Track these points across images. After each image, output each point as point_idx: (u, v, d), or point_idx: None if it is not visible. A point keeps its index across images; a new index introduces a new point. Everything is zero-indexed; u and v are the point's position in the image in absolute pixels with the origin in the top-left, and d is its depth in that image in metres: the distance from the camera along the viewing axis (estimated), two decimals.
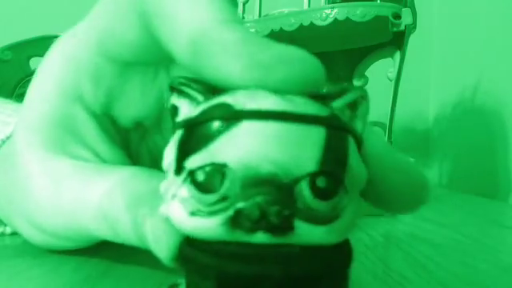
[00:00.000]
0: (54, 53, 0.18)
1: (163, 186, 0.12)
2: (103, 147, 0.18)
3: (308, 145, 0.10)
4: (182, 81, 0.12)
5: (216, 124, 0.11)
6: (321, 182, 0.10)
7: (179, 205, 0.11)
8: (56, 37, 0.62)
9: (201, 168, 0.11)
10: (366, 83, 0.50)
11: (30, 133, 0.18)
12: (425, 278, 0.19)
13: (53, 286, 0.17)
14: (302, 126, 0.11)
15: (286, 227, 0.10)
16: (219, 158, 0.10)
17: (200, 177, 0.11)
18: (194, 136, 0.11)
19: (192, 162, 0.11)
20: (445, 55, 0.81)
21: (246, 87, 0.11)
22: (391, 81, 0.44)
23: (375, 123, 0.63)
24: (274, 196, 0.10)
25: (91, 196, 0.16)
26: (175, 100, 0.12)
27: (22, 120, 0.19)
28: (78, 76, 0.18)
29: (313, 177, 0.10)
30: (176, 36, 0.13)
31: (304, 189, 0.10)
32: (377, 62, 0.50)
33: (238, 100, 0.11)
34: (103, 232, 0.16)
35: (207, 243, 0.11)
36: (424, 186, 0.14)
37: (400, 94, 0.43)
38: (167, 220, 0.12)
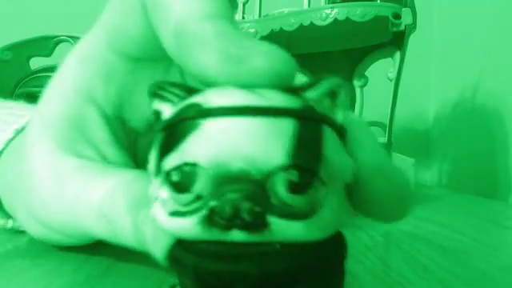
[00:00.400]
0: (72, 53, 0.19)
1: (150, 189, 0.12)
2: (110, 149, 0.19)
3: (278, 138, 0.10)
4: (161, 85, 0.12)
5: (186, 124, 0.11)
6: (293, 176, 0.10)
7: (160, 206, 0.11)
8: (56, 37, 0.62)
9: (175, 168, 0.11)
10: (365, 83, 0.50)
11: (43, 128, 0.19)
12: (425, 278, 0.19)
13: (53, 285, 0.17)
14: (270, 120, 0.10)
15: (259, 224, 0.10)
16: (190, 157, 0.10)
17: (175, 177, 0.11)
18: (169, 137, 0.11)
19: (168, 163, 0.11)
20: (445, 55, 0.81)
21: (219, 85, 0.11)
22: (391, 81, 0.44)
23: (375, 123, 0.63)
24: (246, 192, 0.10)
25: (92, 195, 0.16)
26: (157, 105, 0.13)
27: (37, 114, 0.19)
28: (91, 75, 0.18)
29: (285, 171, 0.10)
30: (165, 27, 0.14)
31: (277, 184, 0.10)
32: (377, 62, 0.50)
33: (207, 98, 0.11)
34: (101, 231, 0.16)
35: (191, 243, 0.11)
36: (408, 197, 0.13)
37: (400, 94, 0.43)
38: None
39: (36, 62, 0.61)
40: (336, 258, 0.11)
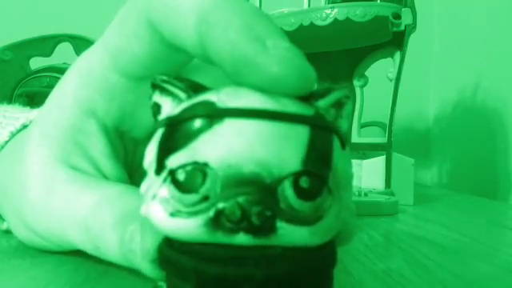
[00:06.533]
0: (73, 67, 0.19)
1: (144, 185, 0.12)
2: (107, 162, 0.19)
3: (292, 144, 0.10)
4: (165, 78, 0.12)
5: (198, 122, 0.10)
6: (304, 182, 0.10)
7: (159, 205, 0.11)
8: (56, 37, 0.62)
9: (181, 167, 0.10)
10: (365, 83, 0.50)
11: (42, 138, 0.19)
12: (425, 278, 0.19)
13: (53, 286, 0.17)
14: (285, 125, 0.10)
15: (268, 228, 0.10)
16: (201, 157, 0.10)
17: (181, 176, 0.10)
18: (176, 134, 0.11)
19: (173, 161, 0.10)
20: (445, 55, 0.81)
21: (231, 84, 0.11)
22: (391, 81, 0.44)
23: (375, 123, 0.63)
24: (256, 196, 0.10)
25: (78, 208, 0.16)
26: (157, 98, 0.12)
27: (37, 125, 0.19)
28: (92, 91, 0.18)
29: (296, 177, 0.10)
30: (184, 28, 0.13)
31: (287, 189, 0.10)
32: (377, 62, 0.50)
33: (222, 98, 0.11)
34: (84, 244, 0.16)
35: (187, 245, 0.11)
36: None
37: (400, 94, 0.43)
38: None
39: (36, 62, 0.61)
40: (330, 261, 0.11)
